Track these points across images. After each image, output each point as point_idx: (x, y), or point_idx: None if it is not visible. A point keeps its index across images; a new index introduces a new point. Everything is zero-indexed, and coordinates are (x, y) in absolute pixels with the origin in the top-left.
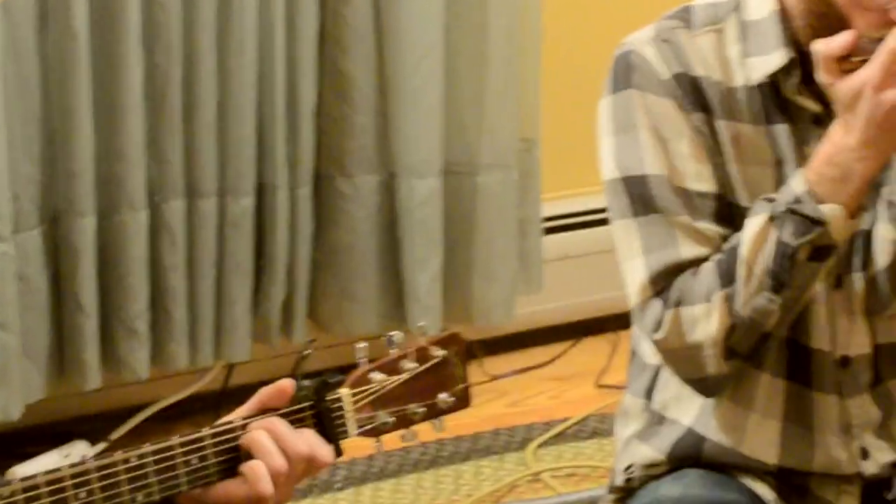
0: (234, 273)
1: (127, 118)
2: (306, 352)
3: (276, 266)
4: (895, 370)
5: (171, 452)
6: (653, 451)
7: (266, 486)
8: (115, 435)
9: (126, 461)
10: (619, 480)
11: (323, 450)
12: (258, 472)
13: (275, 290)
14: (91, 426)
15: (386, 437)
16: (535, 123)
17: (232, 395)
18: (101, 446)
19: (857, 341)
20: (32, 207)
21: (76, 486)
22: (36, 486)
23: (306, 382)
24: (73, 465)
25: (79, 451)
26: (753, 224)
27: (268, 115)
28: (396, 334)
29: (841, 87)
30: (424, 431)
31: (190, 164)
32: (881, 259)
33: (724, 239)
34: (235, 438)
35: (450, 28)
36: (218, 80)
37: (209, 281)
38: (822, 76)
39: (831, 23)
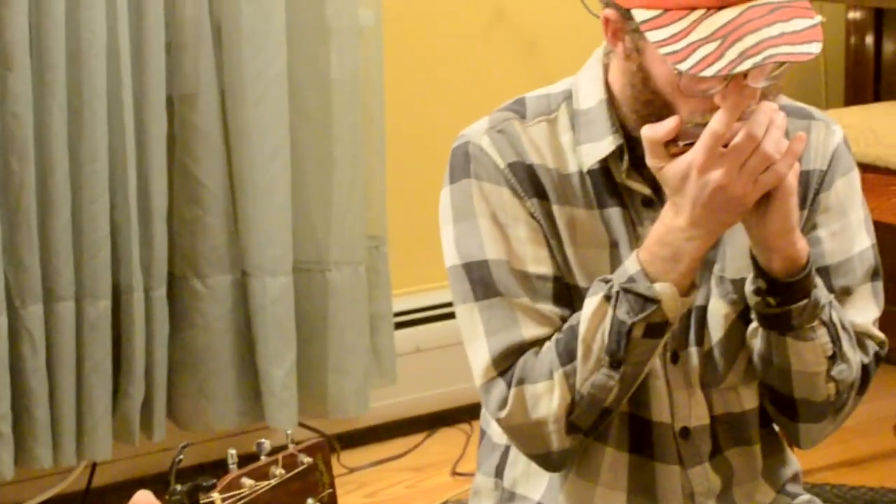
0: (93, 374)
1: None
2: (179, 457)
3: (134, 366)
4: (731, 440)
5: None
6: None
7: None
8: None
9: None
10: None
11: None
12: None
13: (133, 389)
14: None
15: None
16: (381, 221)
17: (96, 495)
18: None
19: (696, 413)
20: None
21: None
22: None
23: (179, 487)
24: None
25: None
26: (590, 303)
27: (121, 219)
28: (265, 442)
29: (668, 171)
30: None
31: (47, 269)
32: (715, 334)
33: (564, 319)
34: None
35: (295, 129)
36: (71, 185)
37: (69, 382)
38: (650, 160)
39: (657, 109)
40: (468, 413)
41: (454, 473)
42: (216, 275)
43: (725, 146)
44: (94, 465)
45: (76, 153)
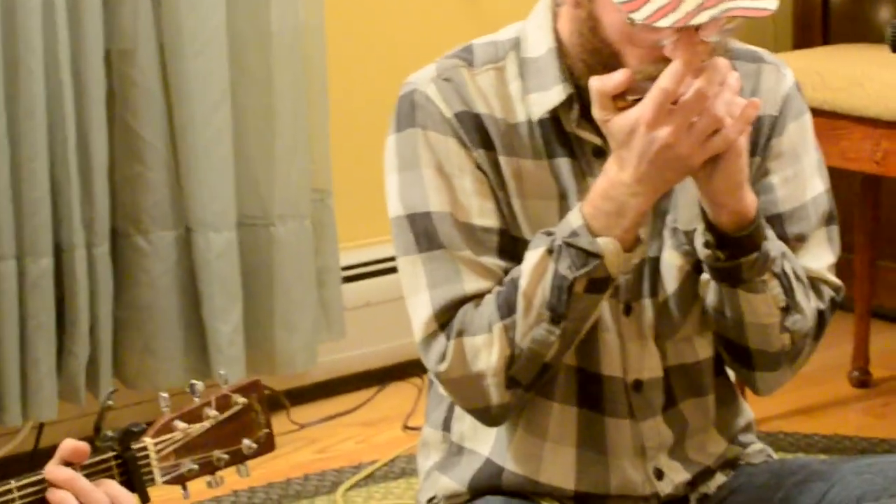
0: (36, 333)
1: None
2: (108, 402)
3: (79, 325)
4: (686, 391)
5: None
6: (453, 482)
7: None
8: None
9: None
10: None
11: (124, 499)
12: None
13: (78, 349)
14: None
15: (191, 484)
16: (326, 174)
17: (43, 456)
18: None
19: (648, 365)
20: None
21: None
22: None
23: (110, 433)
24: None
25: None
26: (532, 257)
27: (61, 177)
28: (198, 384)
29: (615, 124)
30: (237, 481)
31: None
32: (670, 285)
33: (507, 273)
34: (42, 491)
35: (236, 83)
36: (9, 143)
37: (12, 342)
38: (596, 112)
39: (604, 59)
40: (420, 367)
41: (406, 428)
42: (159, 231)
43: (675, 103)
44: (41, 426)
45: (13, 110)
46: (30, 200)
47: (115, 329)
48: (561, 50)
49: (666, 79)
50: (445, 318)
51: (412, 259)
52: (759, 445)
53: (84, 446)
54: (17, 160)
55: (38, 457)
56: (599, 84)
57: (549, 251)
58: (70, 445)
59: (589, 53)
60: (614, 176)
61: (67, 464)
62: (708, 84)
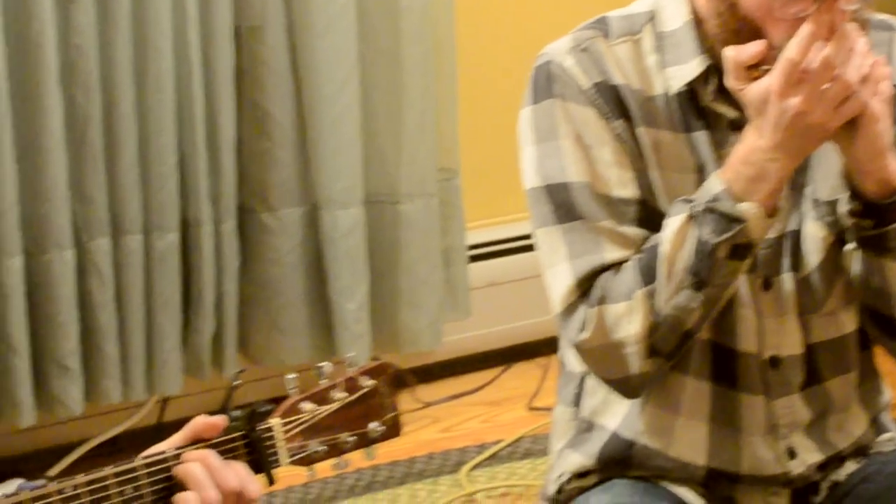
0: (162, 308)
1: (49, 158)
2: (236, 382)
3: (204, 300)
4: (832, 368)
5: (105, 483)
6: (582, 457)
7: None
8: (53, 472)
9: (60, 492)
10: (551, 490)
11: (252, 484)
12: None
13: (204, 324)
14: (27, 464)
15: (318, 466)
16: (454, 153)
17: (167, 430)
18: (39, 483)
19: (787, 342)
20: None
21: None
22: None
23: (237, 413)
24: (7, 496)
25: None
26: (673, 223)
27: (189, 152)
28: (326, 365)
29: (748, 93)
30: (358, 457)
31: (114, 202)
32: (813, 258)
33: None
34: (168, 469)
35: (364, 60)
36: (137, 118)
37: (139, 317)
38: (731, 82)
39: (745, 38)
40: (545, 346)
41: (530, 408)
42: (286, 207)
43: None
44: (165, 400)
45: (142, 85)
46: (157, 175)
47: (241, 305)
48: (698, 23)
49: (792, 49)
50: (586, 286)
51: (550, 230)
52: (889, 434)
53: (217, 422)
54: (146, 135)
55: (163, 430)
56: (734, 54)
57: (691, 217)
58: (204, 421)
59: (729, 33)
60: (753, 142)
61: (194, 441)
62: (836, 51)
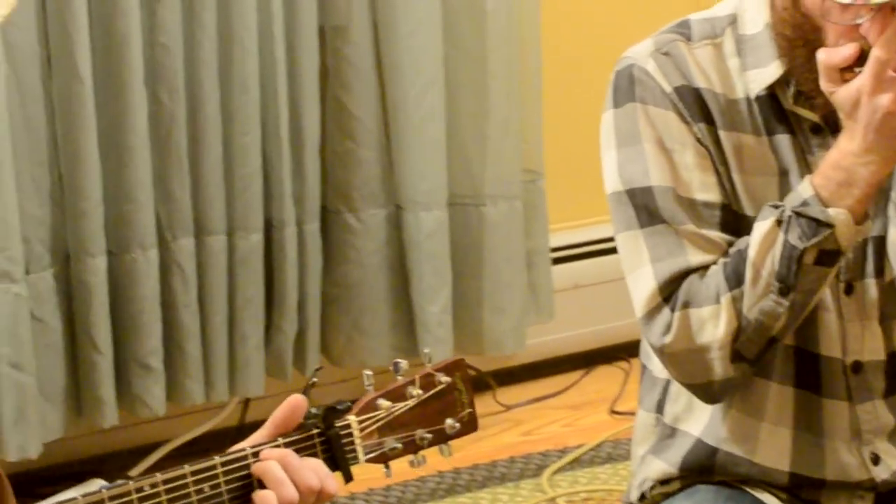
0: (245, 309)
1: (134, 158)
2: (313, 379)
3: (287, 301)
4: None
5: (184, 481)
6: (665, 464)
7: None
8: (134, 472)
9: (139, 490)
10: (633, 496)
11: (330, 481)
12: (268, 503)
13: (286, 325)
14: (109, 464)
15: (394, 464)
16: (538, 155)
17: (249, 431)
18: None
19: (869, 347)
20: (43, 249)
21: None
22: None
23: (314, 410)
24: (86, 495)
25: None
26: (761, 227)
27: (273, 153)
28: (402, 362)
29: (839, 95)
30: (441, 461)
31: (198, 202)
32: None
33: (731, 246)
34: (246, 467)
35: (449, 62)
36: (222, 118)
37: (221, 317)
38: (823, 84)
39: (806, 34)
40: (627, 350)
41: (612, 412)
42: (369, 209)
43: None
44: (246, 401)
45: (227, 85)
46: (241, 176)
47: (324, 306)
48: (775, 26)
49: (880, 48)
50: (669, 290)
51: (633, 234)
52: None
53: (300, 400)
54: (230, 135)
55: (244, 431)
56: (826, 56)
57: (779, 221)
58: (287, 403)
59: (791, 28)
60: (844, 146)
61: (277, 433)
62: None
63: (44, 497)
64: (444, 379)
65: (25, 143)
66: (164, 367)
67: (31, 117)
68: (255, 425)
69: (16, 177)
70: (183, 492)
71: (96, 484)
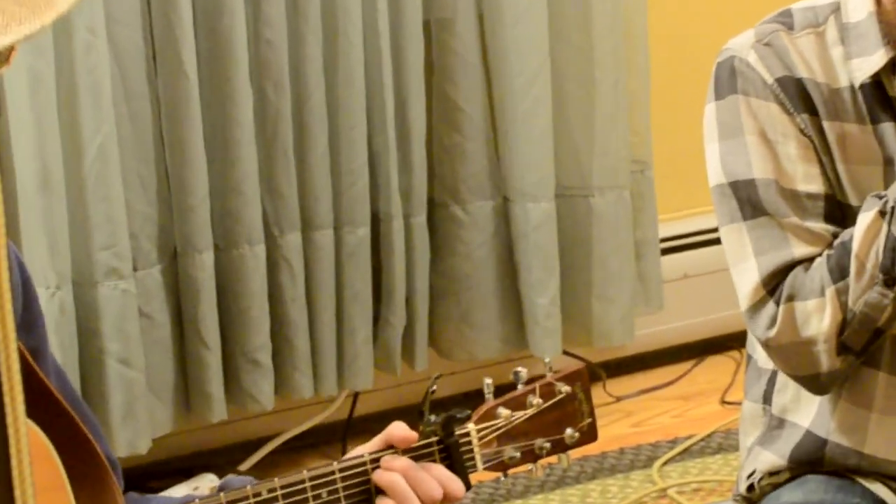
0: (353, 303)
1: (240, 154)
2: (433, 388)
3: (395, 295)
4: None
5: (301, 486)
6: (775, 456)
7: None
8: (243, 467)
9: (257, 495)
10: (742, 488)
11: (454, 484)
12: None
13: (394, 318)
14: (218, 459)
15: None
16: (646, 145)
17: (357, 425)
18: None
19: None
20: (151, 245)
21: None
22: None
23: (433, 418)
24: (204, 499)
25: (207, 484)
26: (864, 219)
27: (379, 146)
28: (522, 371)
29: None
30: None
31: (304, 197)
32: None
33: (836, 238)
34: (365, 473)
35: (555, 53)
36: (328, 113)
37: (329, 311)
38: None
39: None
40: (737, 340)
41: (723, 402)
42: (477, 201)
43: None
44: (355, 395)
45: (332, 79)
46: (348, 170)
47: (432, 299)
48: (880, 13)
49: None
50: (774, 283)
51: (737, 227)
52: None
53: (413, 436)
54: (336, 129)
55: (353, 426)
56: None
57: (882, 213)
58: (400, 433)
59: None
60: None
61: (389, 446)
62: None
63: (152, 492)
64: (565, 388)
65: (132, 140)
66: (273, 361)
67: (137, 114)
68: (364, 419)
69: (122, 174)
70: (300, 497)
71: (206, 479)
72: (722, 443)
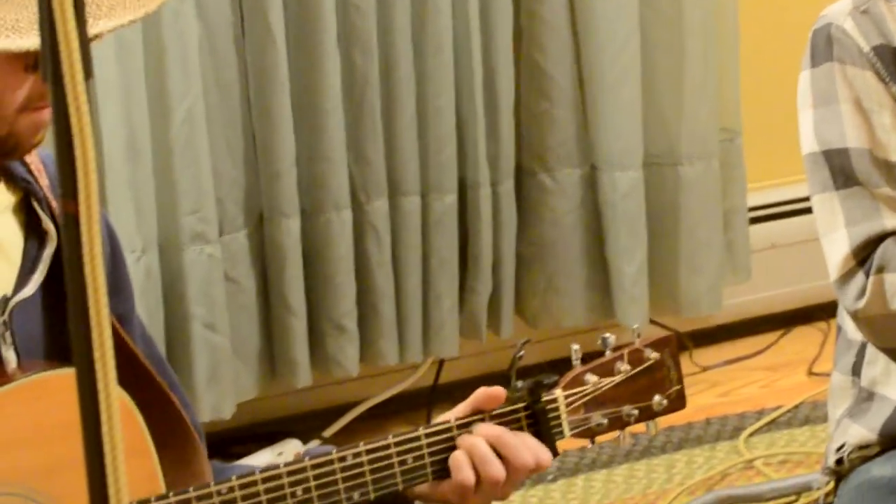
0: (439, 270)
1: (327, 119)
2: (520, 353)
3: (481, 262)
4: None
5: (387, 451)
6: (864, 430)
7: (467, 475)
8: (327, 433)
9: (342, 459)
10: (832, 461)
11: (544, 454)
12: (460, 462)
13: (480, 285)
14: (302, 424)
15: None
16: (735, 114)
17: (442, 392)
18: (314, 444)
19: None
20: (237, 210)
21: (292, 483)
22: (253, 483)
23: (520, 384)
24: (288, 464)
25: (291, 450)
26: None
27: (467, 113)
28: (610, 337)
29: None
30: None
31: (391, 164)
32: None
33: None
34: (451, 439)
35: (645, 21)
36: (416, 80)
37: (415, 278)
38: None
39: None
40: (825, 311)
41: (810, 373)
42: (564, 168)
43: None
44: (441, 362)
45: (420, 46)
46: (435, 137)
47: (518, 266)
48: None
49: None
50: (864, 254)
51: (828, 196)
52: None
53: (501, 392)
54: (424, 97)
55: (438, 393)
56: None
57: None
58: (487, 392)
59: None
60: None
61: (476, 412)
62: None
63: (237, 457)
64: (653, 355)
65: (219, 106)
66: (358, 327)
67: (225, 80)
68: (449, 387)
69: (209, 139)
70: (386, 462)
71: (290, 444)
72: (809, 414)
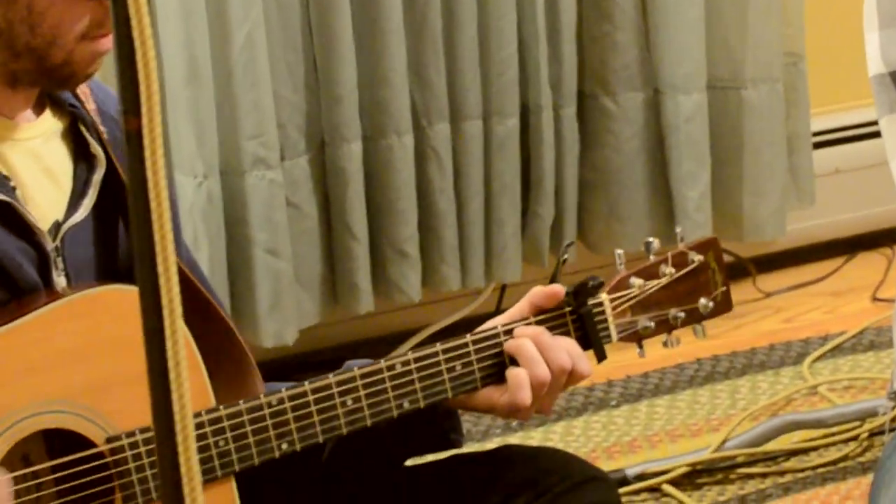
0: (501, 195)
1: (389, 43)
2: (565, 256)
3: (544, 187)
4: None
5: (435, 359)
6: None
7: (525, 395)
8: None
9: (391, 368)
10: None
11: (583, 362)
12: (521, 381)
13: (543, 210)
14: (364, 351)
15: (651, 351)
16: (800, 37)
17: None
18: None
19: None
20: (299, 135)
21: (342, 393)
22: (303, 395)
23: (567, 288)
24: (337, 374)
25: None
26: None
27: (529, 37)
28: (654, 241)
29: None
30: (699, 348)
31: (453, 88)
32: None
33: None
34: (498, 345)
35: None
36: (478, 2)
37: (477, 203)
38: None
39: None
40: (889, 237)
41: (874, 299)
42: (627, 92)
43: None
44: (503, 288)
45: None
46: (497, 60)
47: (581, 191)
48: None
49: None
50: None
51: (895, 119)
52: None
53: (561, 291)
54: (485, 19)
55: None
56: None
57: None
58: (547, 289)
59: None
60: None
61: (536, 309)
62: None
63: None
64: (697, 257)
65: (280, 30)
66: (420, 253)
67: (286, 4)
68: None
69: (271, 63)
70: (434, 370)
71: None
72: (874, 340)
